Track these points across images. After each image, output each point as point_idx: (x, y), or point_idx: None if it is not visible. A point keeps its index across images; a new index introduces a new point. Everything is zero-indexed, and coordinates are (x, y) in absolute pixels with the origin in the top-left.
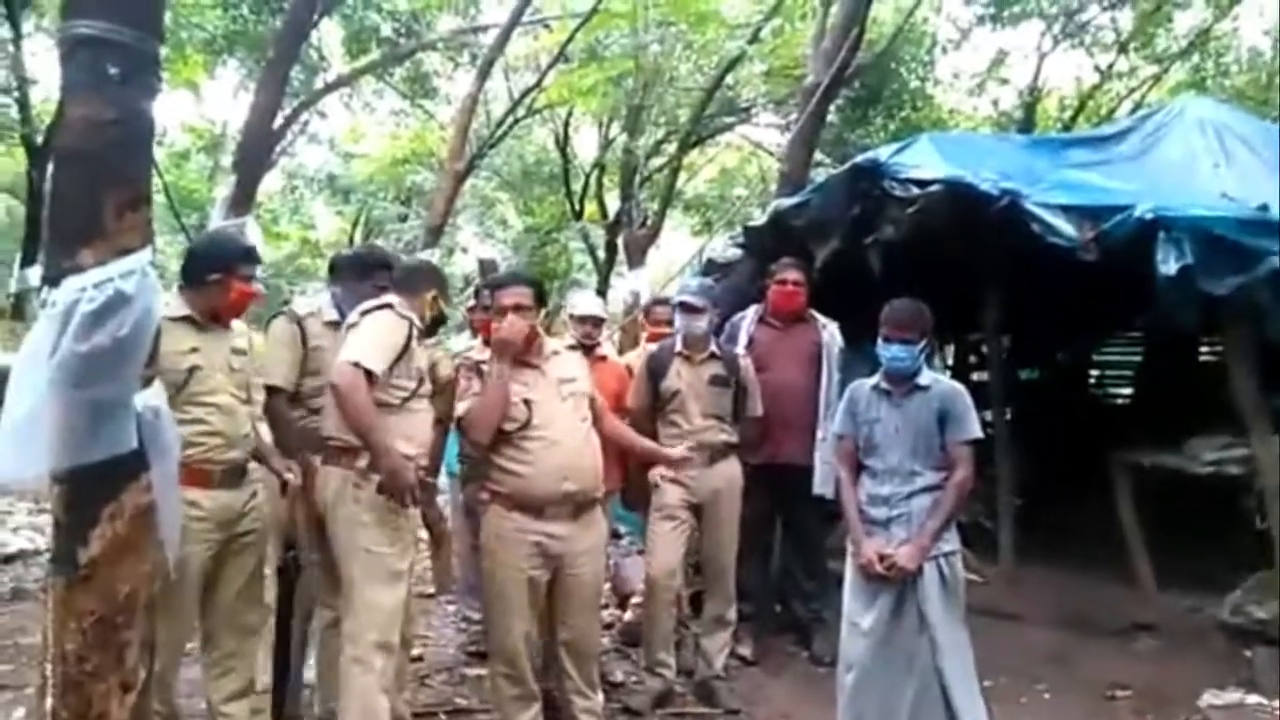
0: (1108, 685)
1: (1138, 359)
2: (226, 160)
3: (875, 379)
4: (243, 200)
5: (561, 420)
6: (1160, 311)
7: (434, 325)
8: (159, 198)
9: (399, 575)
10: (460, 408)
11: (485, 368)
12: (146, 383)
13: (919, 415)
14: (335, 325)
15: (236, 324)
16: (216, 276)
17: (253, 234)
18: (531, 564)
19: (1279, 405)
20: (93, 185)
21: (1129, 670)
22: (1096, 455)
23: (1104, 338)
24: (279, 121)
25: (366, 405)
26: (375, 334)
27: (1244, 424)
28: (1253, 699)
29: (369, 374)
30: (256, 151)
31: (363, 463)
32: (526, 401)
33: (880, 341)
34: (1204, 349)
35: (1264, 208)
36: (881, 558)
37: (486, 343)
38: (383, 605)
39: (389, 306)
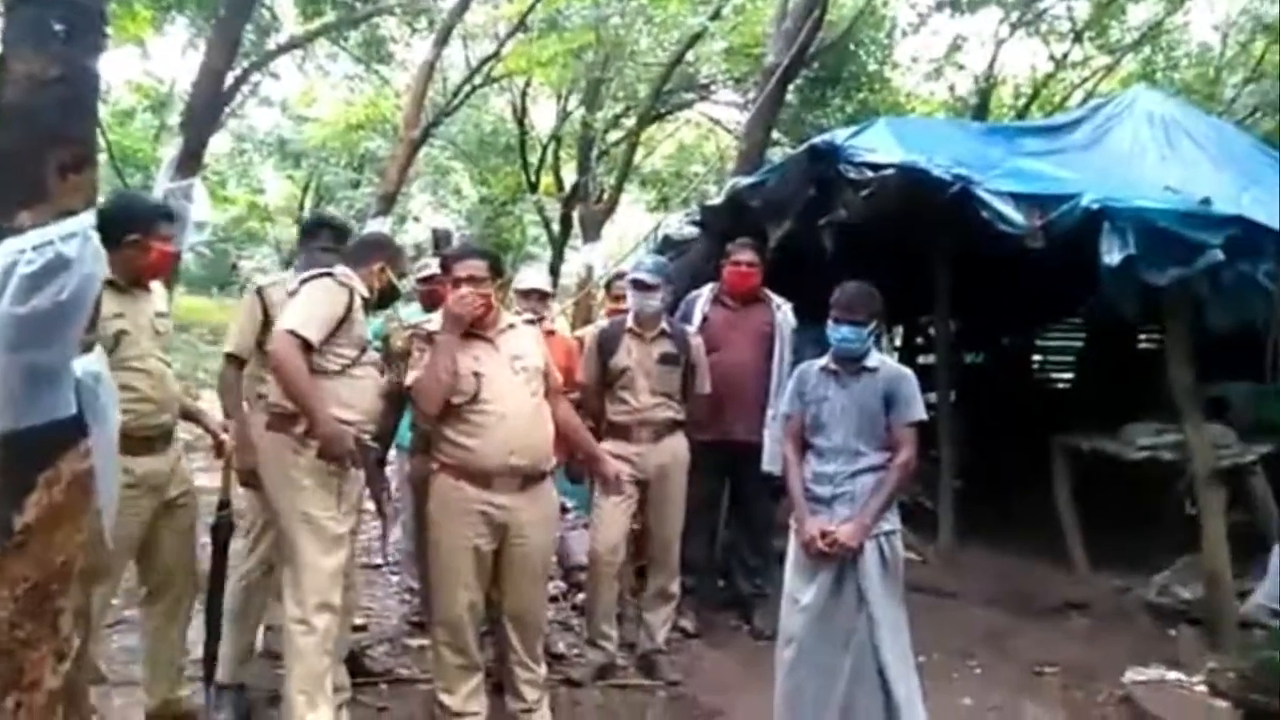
0: (1038, 662)
1: (1081, 345)
2: (173, 120)
3: (824, 360)
4: (190, 162)
5: (511, 395)
6: (1103, 300)
7: (386, 297)
8: (102, 156)
9: (339, 539)
10: (410, 377)
11: (438, 339)
12: (87, 348)
13: (865, 396)
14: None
15: (156, 287)
16: (134, 237)
17: (199, 197)
18: (477, 533)
19: (1212, 394)
20: (34, 145)
21: (1059, 648)
22: (1038, 439)
23: (1049, 324)
24: (229, 82)
25: (301, 372)
26: (313, 302)
27: (1178, 411)
28: (1173, 675)
29: (306, 343)
30: (205, 113)
31: (300, 428)
32: (476, 374)
33: (830, 323)
34: (1144, 337)
35: (1206, 201)
36: (823, 535)
37: (429, 309)
38: (323, 568)
39: (329, 274)
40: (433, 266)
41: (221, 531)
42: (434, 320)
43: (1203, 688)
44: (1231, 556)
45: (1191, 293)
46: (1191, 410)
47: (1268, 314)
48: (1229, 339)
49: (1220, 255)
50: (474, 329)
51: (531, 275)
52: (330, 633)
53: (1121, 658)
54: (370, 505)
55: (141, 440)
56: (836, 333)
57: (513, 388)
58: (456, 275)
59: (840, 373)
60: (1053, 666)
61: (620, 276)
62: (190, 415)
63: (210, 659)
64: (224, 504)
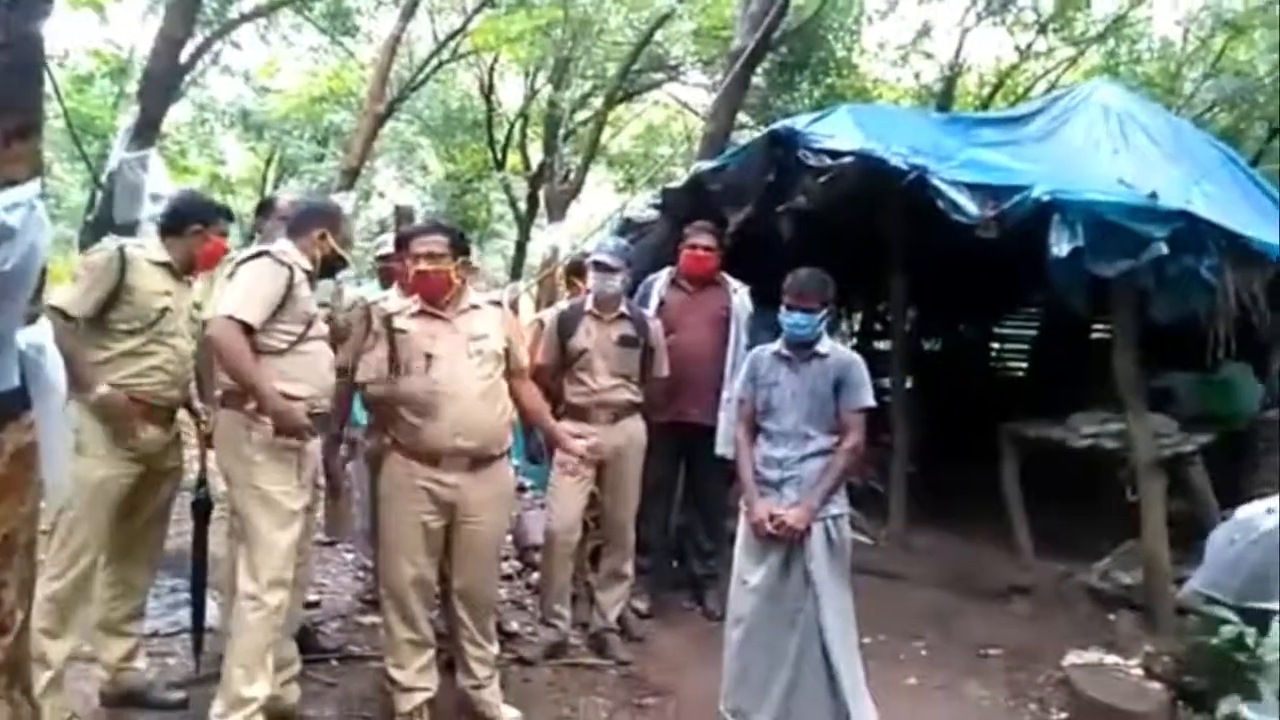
0: (982, 643)
1: (1035, 334)
2: (132, 88)
3: (776, 345)
4: (147, 131)
5: (462, 377)
6: (1052, 290)
7: (329, 265)
8: (59, 123)
9: (293, 515)
10: (362, 370)
11: (397, 324)
12: (31, 319)
13: (815, 382)
14: None
15: (197, 284)
16: (196, 228)
17: (155, 167)
18: (424, 509)
19: (1158, 384)
20: None
21: (1003, 630)
22: (989, 426)
23: (1005, 312)
24: (189, 51)
25: (243, 355)
26: (250, 283)
27: (1122, 401)
28: (1111, 658)
29: (246, 325)
30: (162, 82)
31: (252, 405)
32: (428, 355)
33: (783, 309)
34: (1097, 328)
35: (1154, 196)
36: (771, 517)
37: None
38: (276, 544)
39: (266, 254)
40: (391, 244)
41: (200, 506)
42: (389, 299)
43: (1139, 671)
44: (1170, 544)
45: (1137, 285)
46: (1135, 400)
47: (1210, 307)
48: (1176, 331)
49: (1165, 249)
50: (433, 308)
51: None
52: (281, 609)
53: (1062, 640)
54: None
55: (150, 408)
56: (788, 318)
57: (465, 369)
58: (415, 252)
59: (792, 358)
60: (996, 648)
61: (584, 259)
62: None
63: (199, 630)
64: (201, 481)
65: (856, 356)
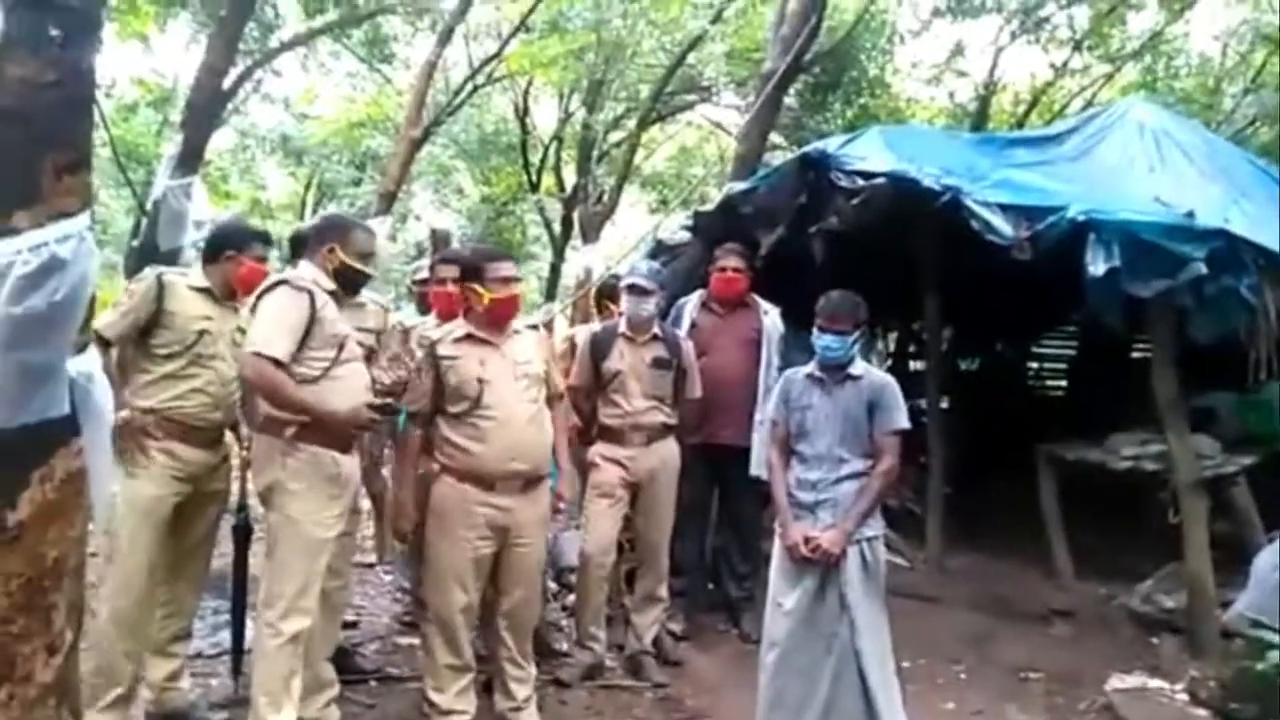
0: (1021, 667)
1: (1074, 354)
2: (176, 115)
3: (809, 367)
4: (190, 159)
5: (513, 400)
6: (1089, 310)
7: (346, 280)
8: (104, 151)
9: (323, 544)
10: (409, 399)
11: (441, 351)
12: (81, 348)
13: (849, 404)
14: None
15: (243, 311)
16: (230, 253)
17: (198, 194)
18: (480, 535)
19: (1199, 404)
20: (30, 147)
21: (1043, 654)
22: (1026, 446)
23: (1042, 332)
24: (231, 79)
25: (281, 385)
26: (272, 316)
27: (1162, 422)
28: (1155, 683)
29: (275, 361)
30: (205, 110)
31: (290, 431)
32: (480, 380)
33: (815, 331)
34: (1135, 347)
35: (1191, 215)
36: (806, 541)
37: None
38: (300, 572)
39: (284, 283)
40: (427, 269)
41: (240, 530)
42: (426, 324)
43: (1184, 696)
44: (1214, 566)
45: (1175, 305)
46: (1175, 420)
47: (1250, 326)
48: (1216, 350)
49: (1203, 268)
50: (482, 333)
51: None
52: (300, 636)
53: (1104, 665)
54: (366, 504)
55: (194, 430)
56: (821, 341)
57: (514, 393)
58: (502, 275)
59: (825, 380)
60: (1036, 672)
61: (614, 282)
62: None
63: (238, 652)
64: (242, 505)
65: (890, 378)
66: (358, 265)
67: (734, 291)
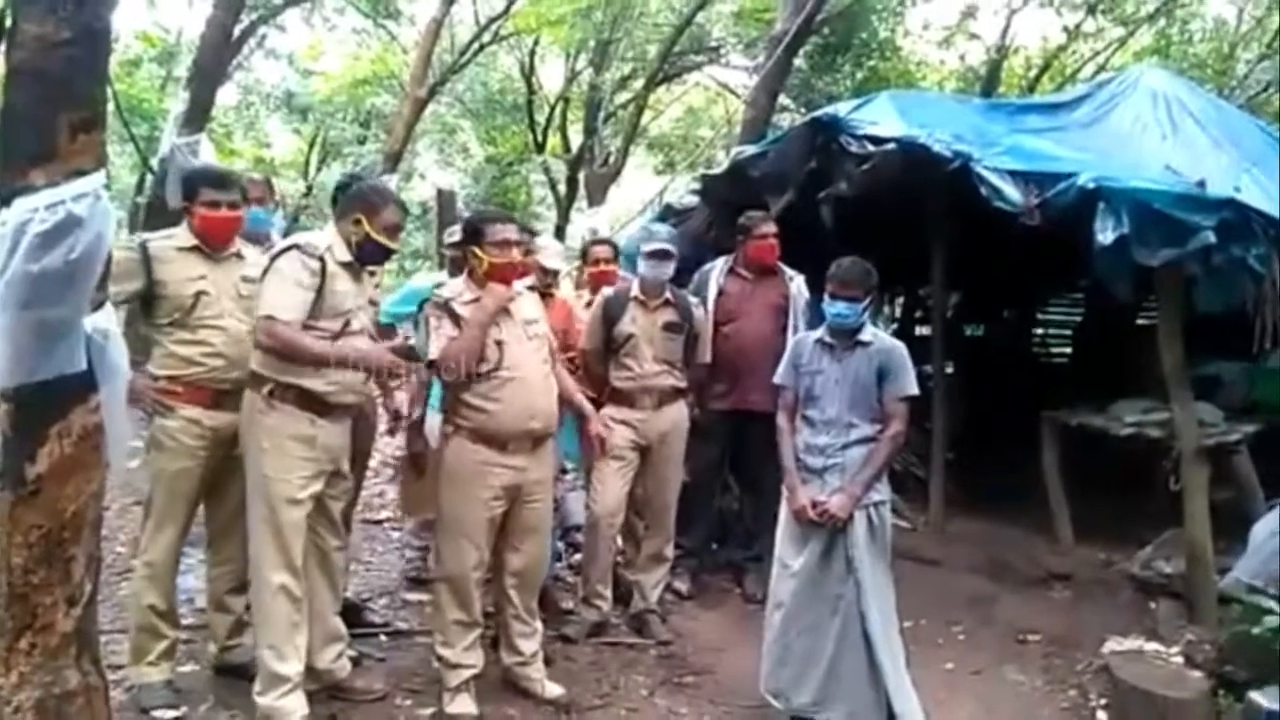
0: (1020, 629)
1: (1080, 320)
2: (180, 71)
3: (819, 333)
4: (197, 116)
5: (527, 361)
6: (1096, 278)
7: (369, 253)
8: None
9: (296, 503)
10: (434, 349)
11: (455, 308)
12: (97, 305)
13: (859, 370)
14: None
15: (250, 253)
16: (185, 204)
17: (205, 152)
18: (493, 495)
19: (1205, 373)
20: (45, 105)
21: (1042, 617)
22: (1031, 412)
23: (1049, 298)
24: (235, 35)
25: (298, 343)
26: (282, 282)
27: (1167, 390)
28: (1151, 646)
29: (286, 325)
30: (211, 67)
31: (267, 388)
32: (499, 343)
33: (826, 298)
34: (1141, 315)
35: (1201, 184)
36: (814, 505)
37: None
38: (271, 529)
39: (295, 247)
40: (459, 232)
41: None
42: (449, 288)
43: (1179, 659)
44: (1214, 533)
45: (1183, 273)
46: (1179, 388)
47: (1258, 296)
48: (1222, 319)
49: (1212, 238)
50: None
51: (552, 255)
52: (289, 589)
53: (1102, 628)
54: (374, 461)
55: (213, 393)
56: (832, 307)
57: (527, 354)
58: (505, 239)
59: (835, 346)
60: (1035, 634)
61: (598, 243)
62: None
63: None
64: None
65: (899, 344)
66: (383, 240)
67: (772, 258)
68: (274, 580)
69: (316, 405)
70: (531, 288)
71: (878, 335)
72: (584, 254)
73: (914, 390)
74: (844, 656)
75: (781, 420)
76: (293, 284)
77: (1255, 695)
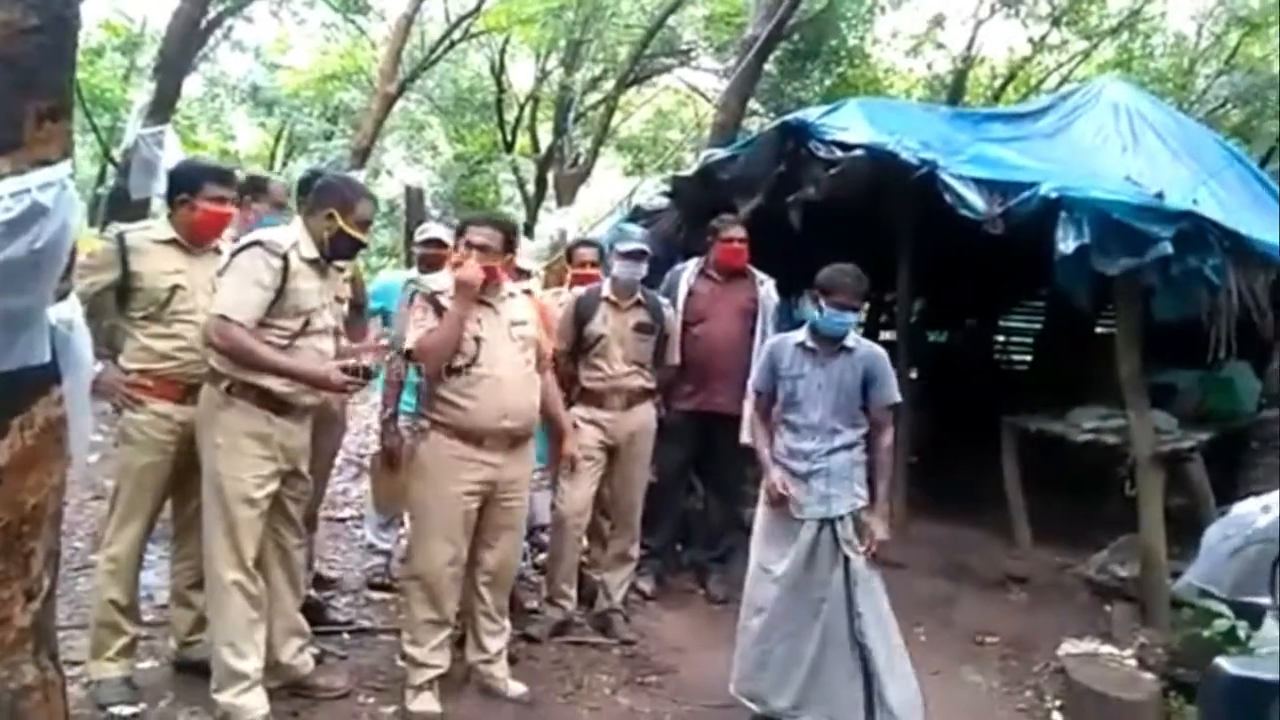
0: (979, 631)
1: (1040, 328)
2: (143, 60)
3: (799, 336)
4: (162, 107)
5: (507, 360)
6: (1057, 286)
7: (339, 248)
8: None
9: (250, 502)
10: (411, 339)
11: (442, 300)
12: (61, 296)
13: (843, 376)
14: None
15: (226, 249)
16: (184, 198)
17: (170, 143)
18: (466, 489)
19: (1160, 381)
20: (11, 93)
21: (1000, 619)
22: (991, 418)
23: (1012, 306)
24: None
25: (255, 347)
26: (241, 281)
27: (1124, 397)
28: (1105, 649)
29: (241, 327)
30: (178, 58)
31: (224, 384)
32: (476, 339)
33: (824, 307)
34: (1100, 323)
35: (1160, 195)
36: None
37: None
38: (225, 527)
39: (258, 244)
40: (432, 230)
41: None
42: (435, 280)
43: (1133, 661)
44: (1168, 538)
45: (1141, 283)
46: (1136, 396)
47: (1213, 306)
48: (1178, 329)
49: (1170, 248)
50: (479, 295)
51: (526, 254)
52: (242, 586)
53: (1058, 630)
54: (340, 460)
55: (184, 388)
56: (835, 318)
57: (509, 353)
58: (469, 241)
59: (819, 351)
60: (993, 636)
61: (584, 244)
62: None
63: None
64: None
65: (881, 350)
66: (356, 234)
67: (740, 261)
68: (227, 577)
69: (274, 404)
70: (527, 291)
71: (858, 340)
72: (569, 254)
73: (899, 397)
74: (826, 658)
75: (756, 423)
76: (251, 283)
77: (1221, 661)
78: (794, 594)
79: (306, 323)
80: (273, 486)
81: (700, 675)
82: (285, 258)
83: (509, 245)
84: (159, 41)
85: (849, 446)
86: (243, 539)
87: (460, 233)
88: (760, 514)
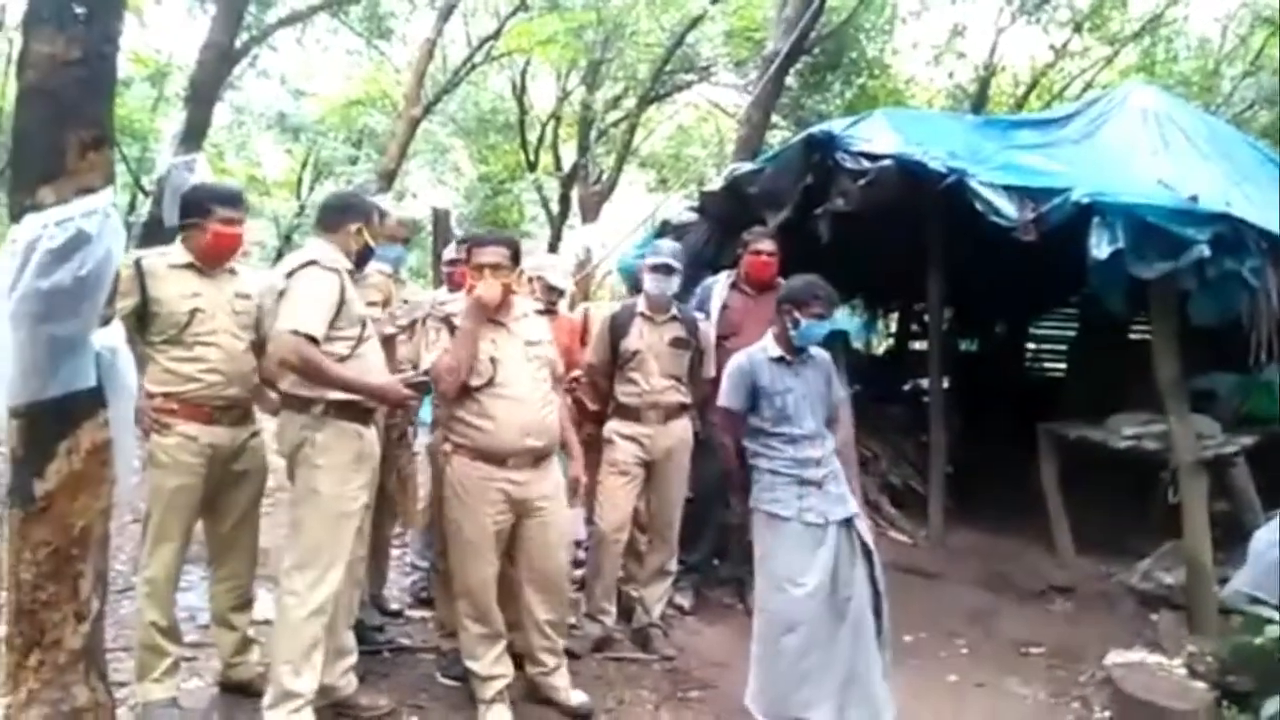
0: (1022, 642)
1: (1074, 334)
2: (171, 91)
3: (768, 350)
4: (194, 135)
5: (524, 380)
6: (1089, 291)
7: (361, 258)
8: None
9: (348, 516)
10: (427, 360)
11: (455, 320)
12: (106, 322)
13: (816, 382)
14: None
15: (243, 269)
16: (193, 221)
17: (202, 170)
18: (497, 509)
19: (1200, 386)
20: (55, 124)
21: (1043, 629)
22: (1027, 426)
23: (1043, 313)
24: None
25: (323, 364)
26: (307, 296)
27: (1164, 403)
28: (1153, 658)
29: (312, 338)
30: (209, 87)
31: (318, 408)
32: (493, 359)
33: (799, 318)
34: (1135, 329)
35: (1194, 199)
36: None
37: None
38: (328, 545)
39: (313, 263)
40: (454, 250)
41: None
42: (452, 302)
43: (1182, 670)
44: (1213, 544)
45: (1177, 287)
46: (1176, 401)
47: (1252, 308)
48: (1218, 332)
49: (1207, 251)
50: (492, 315)
51: (558, 273)
52: (326, 608)
53: (1103, 640)
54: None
55: (210, 410)
56: (816, 328)
57: (526, 372)
58: (479, 261)
59: (792, 362)
60: (1037, 647)
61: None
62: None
63: None
64: None
65: (826, 351)
66: (372, 245)
67: (769, 274)
68: (315, 599)
69: (363, 416)
70: (541, 311)
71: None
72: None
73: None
74: (859, 657)
75: (728, 441)
76: (315, 299)
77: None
78: (827, 602)
79: (363, 327)
80: (366, 497)
81: (742, 690)
82: (338, 272)
83: (516, 260)
84: (186, 72)
85: (833, 447)
86: (343, 557)
87: (467, 255)
88: (768, 530)
